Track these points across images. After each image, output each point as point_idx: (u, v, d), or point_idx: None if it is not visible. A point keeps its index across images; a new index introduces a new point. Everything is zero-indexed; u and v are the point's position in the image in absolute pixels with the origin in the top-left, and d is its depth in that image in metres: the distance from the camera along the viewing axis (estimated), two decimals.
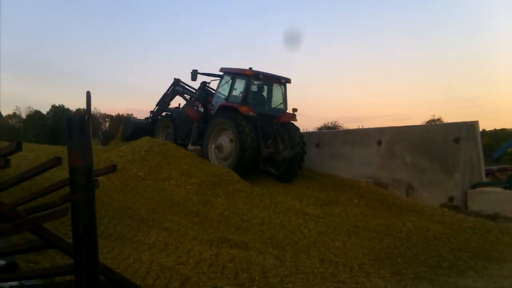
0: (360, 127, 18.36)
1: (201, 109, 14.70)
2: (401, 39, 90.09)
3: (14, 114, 57.02)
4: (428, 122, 40.20)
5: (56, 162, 2.27)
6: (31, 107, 54.33)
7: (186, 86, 16.05)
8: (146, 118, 17.41)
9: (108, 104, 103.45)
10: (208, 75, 15.03)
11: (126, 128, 17.04)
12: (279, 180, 12.73)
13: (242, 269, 5.72)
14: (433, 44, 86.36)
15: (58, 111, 50.19)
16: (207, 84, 15.36)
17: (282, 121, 13.36)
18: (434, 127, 18.56)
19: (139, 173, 10.70)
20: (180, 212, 8.73)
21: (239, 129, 12.22)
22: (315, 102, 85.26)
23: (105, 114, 51.25)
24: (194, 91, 15.67)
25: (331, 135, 17.07)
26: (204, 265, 5.79)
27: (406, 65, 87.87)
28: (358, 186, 12.08)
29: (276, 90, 14.03)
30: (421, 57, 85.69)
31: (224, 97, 13.69)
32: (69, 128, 2.01)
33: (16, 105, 68.11)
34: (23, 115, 55.25)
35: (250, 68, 13.38)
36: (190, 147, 14.21)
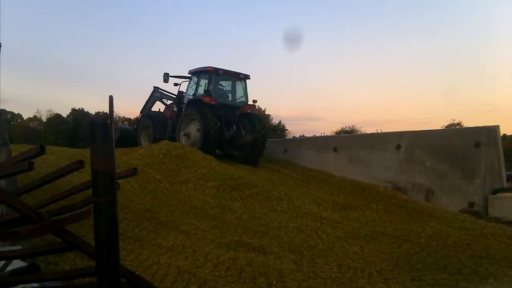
0: (379, 131, 18.24)
1: (175, 109, 16.90)
2: (421, 42, 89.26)
3: (35, 117, 58.10)
4: (448, 126, 39.82)
5: (78, 165, 2.30)
6: (51, 110, 55.31)
7: (164, 92, 17.87)
8: (133, 126, 19.48)
9: (126, 107, 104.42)
10: (178, 77, 16.91)
11: (114, 134, 17.83)
12: (245, 163, 14.65)
13: (259, 273, 5.70)
14: (454, 47, 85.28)
15: (78, 114, 50.96)
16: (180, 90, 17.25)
17: (244, 111, 15.67)
18: (454, 131, 18.38)
19: (157, 176, 10.77)
20: (198, 216, 8.76)
21: (203, 116, 14.30)
22: (333, 105, 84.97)
23: (124, 117, 51.83)
24: (172, 95, 17.55)
25: (349, 139, 16.99)
26: (222, 268, 5.80)
27: (426, 69, 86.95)
28: (377, 191, 11.96)
29: (237, 85, 16.44)
30: (442, 61, 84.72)
31: (192, 95, 15.99)
32: (92, 132, 2.04)
33: (37, 108, 69.31)
34: (44, 118, 56.23)
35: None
36: None
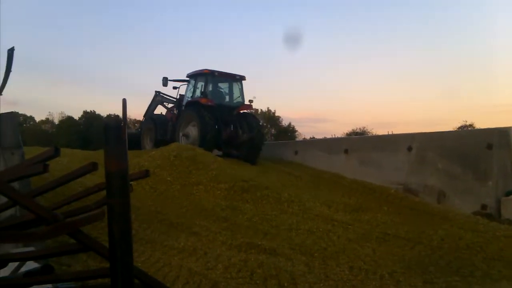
0: (390, 132, 18.15)
1: (176, 112, 17.60)
2: (432, 43, 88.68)
3: (47, 119, 58.67)
4: (460, 128, 39.51)
5: (92, 167, 2.32)
6: (63, 112, 55.84)
7: (165, 96, 18.63)
8: (136, 129, 20.18)
9: (138, 110, 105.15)
10: (177, 81, 17.61)
11: None
12: (244, 161, 15.02)
13: (270, 275, 5.70)
14: (465, 48, 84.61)
15: (90, 117, 51.36)
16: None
17: (240, 111, 16.40)
18: (466, 133, 18.20)
19: (168, 178, 10.83)
20: (209, 217, 8.79)
21: (200, 117, 14.97)
22: (343, 107, 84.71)
23: (135, 119, 52.10)
24: (172, 99, 18.25)
25: (360, 141, 16.92)
26: (233, 270, 5.81)
27: (438, 70, 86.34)
28: (388, 193, 11.88)
29: (234, 86, 17.07)
30: (454, 62, 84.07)
31: (190, 97, 16.63)
32: (106, 135, 2.06)
33: (49, 111, 70.02)
34: (56, 121, 56.78)
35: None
36: (216, 152, 15.69)
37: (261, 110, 54.95)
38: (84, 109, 54.75)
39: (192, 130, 15.62)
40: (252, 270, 5.82)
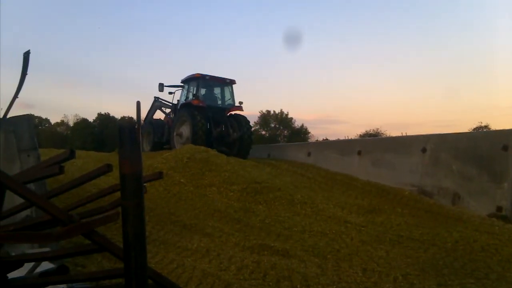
0: (404, 134, 18.03)
1: (172, 116, 18.95)
2: (447, 43, 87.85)
3: (62, 122, 59.31)
4: (475, 129, 39.06)
5: (107, 168, 2.35)
6: (78, 115, 56.38)
7: (164, 101, 19.82)
8: None
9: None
10: (172, 86, 18.96)
11: None
12: (236, 157, 15.57)
13: (283, 277, 5.70)
14: (481, 48, 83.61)
15: (104, 119, 51.75)
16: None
17: (231, 112, 17.68)
18: (481, 134, 17.98)
19: (182, 180, 10.89)
20: (222, 219, 8.82)
21: (192, 117, 16.16)
22: (357, 109, 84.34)
23: None
24: (169, 104, 19.57)
25: (373, 143, 16.79)
26: (246, 271, 5.82)
27: (453, 71, 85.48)
28: (402, 195, 11.81)
29: (225, 89, 18.54)
30: (468, 62, 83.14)
31: (184, 101, 17.94)
32: (120, 137, 2.08)
33: (64, 113, 70.78)
34: (71, 123, 57.35)
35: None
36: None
37: (274, 111, 54.96)
38: (99, 111, 55.23)
39: (185, 130, 16.77)
40: (265, 272, 5.83)
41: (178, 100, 18.87)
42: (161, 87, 18.24)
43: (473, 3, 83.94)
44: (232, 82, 18.31)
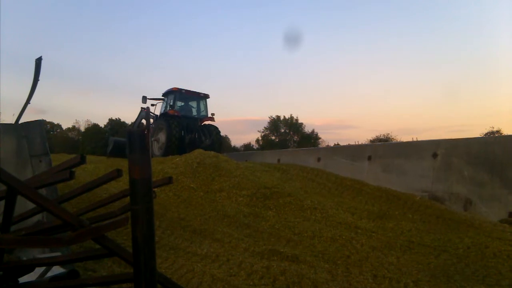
0: (414, 139, 17.92)
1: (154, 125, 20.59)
2: (458, 48, 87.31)
3: (74, 127, 59.86)
4: (486, 134, 38.71)
5: (117, 174, 2.37)
6: (89, 120, 56.86)
7: (149, 113, 21.61)
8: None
9: None
10: (154, 99, 21.21)
11: (109, 145, 21.87)
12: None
13: (293, 283, 5.67)
14: (493, 52, 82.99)
15: (115, 124, 52.09)
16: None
17: (204, 122, 20.41)
18: (493, 139, 17.78)
19: (191, 185, 10.91)
20: (231, 224, 8.81)
21: (168, 125, 18.54)
22: (367, 114, 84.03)
23: None
24: (154, 114, 21.35)
25: (384, 148, 16.71)
26: (256, 277, 5.80)
27: (464, 76, 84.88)
28: (413, 200, 11.69)
29: (200, 102, 21.20)
30: (480, 67, 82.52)
31: (164, 111, 20.43)
32: (130, 142, 2.11)
33: (75, 119, 71.38)
34: (82, 128, 57.86)
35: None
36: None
37: (284, 116, 54.96)
38: (110, 117, 55.62)
39: (162, 136, 19.02)
40: (274, 277, 5.81)
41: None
42: (144, 99, 20.04)
43: (483, 8, 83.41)
44: (206, 96, 20.99)
